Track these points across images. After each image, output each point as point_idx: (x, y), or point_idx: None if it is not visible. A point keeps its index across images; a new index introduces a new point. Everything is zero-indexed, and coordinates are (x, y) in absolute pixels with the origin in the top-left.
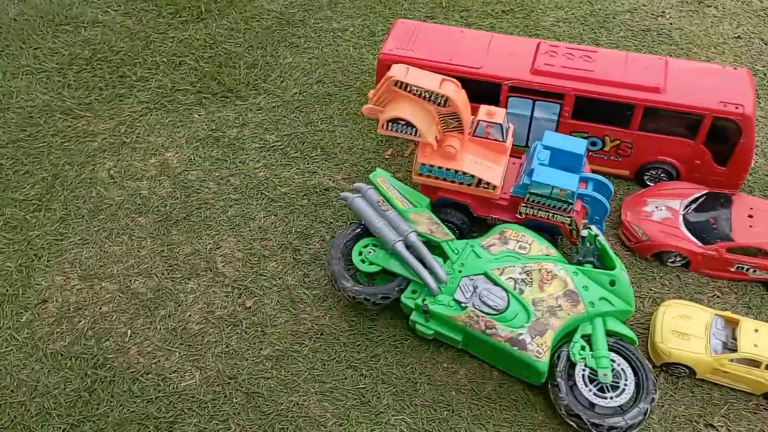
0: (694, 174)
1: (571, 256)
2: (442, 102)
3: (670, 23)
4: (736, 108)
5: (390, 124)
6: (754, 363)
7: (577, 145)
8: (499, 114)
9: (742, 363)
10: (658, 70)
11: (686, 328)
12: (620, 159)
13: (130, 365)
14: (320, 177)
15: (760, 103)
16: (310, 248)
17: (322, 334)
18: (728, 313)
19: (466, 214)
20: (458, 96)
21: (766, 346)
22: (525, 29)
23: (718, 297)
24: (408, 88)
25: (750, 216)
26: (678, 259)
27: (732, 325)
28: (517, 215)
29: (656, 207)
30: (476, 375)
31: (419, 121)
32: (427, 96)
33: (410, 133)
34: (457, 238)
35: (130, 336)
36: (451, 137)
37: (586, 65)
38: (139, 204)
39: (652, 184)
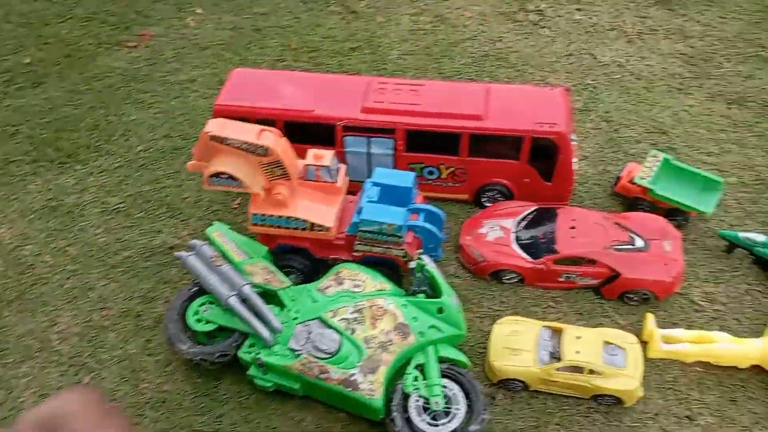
0: (525, 192)
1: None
2: (263, 152)
3: (507, 47)
4: (551, 127)
5: (213, 178)
6: (578, 369)
7: (405, 179)
8: (326, 156)
9: (567, 370)
10: (480, 97)
11: (516, 343)
12: (458, 185)
13: None
14: (165, 236)
15: (589, 114)
16: (153, 312)
17: (164, 402)
18: (555, 323)
19: (308, 258)
20: (278, 145)
21: (588, 352)
22: (373, 64)
23: (552, 307)
24: (225, 142)
25: (572, 227)
26: (513, 275)
27: (558, 334)
28: (354, 253)
29: (491, 228)
30: (323, 420)
31: (242, 173)
32: (246, 148)
33: (235, 186)
34: (303, 282)
35: None
36: (278, 185)
37: (413, 98)
38: None
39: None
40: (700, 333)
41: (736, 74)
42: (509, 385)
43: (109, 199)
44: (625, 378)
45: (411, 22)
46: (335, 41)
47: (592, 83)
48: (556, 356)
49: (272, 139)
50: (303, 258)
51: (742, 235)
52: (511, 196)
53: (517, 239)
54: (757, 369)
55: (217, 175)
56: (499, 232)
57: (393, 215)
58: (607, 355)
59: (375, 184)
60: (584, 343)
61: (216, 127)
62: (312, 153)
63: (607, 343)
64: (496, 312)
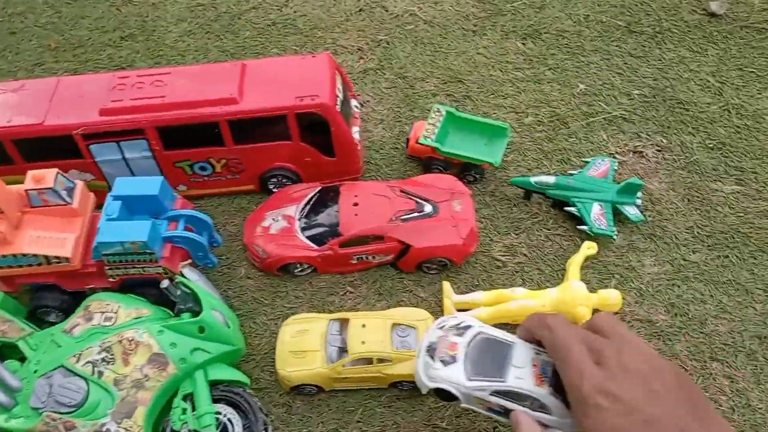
0: (312, 172)
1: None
2: None
3: (294, 11)
4: (313, 99)
5: None
6: (368, 360)
7: (150, 185)
8: (47, 177)
9: (357, 364)
10: (234, 77)
11: (302, 345)
12: (238, 176)
13: None
14: None
15: (384, 73)
16: None
17: None
18: (341, 314)
19: (62, 292)
20: None
21: (375, 339)
22: (147, 52)
23: (351, 292)
24: None
25: (355, 204)
26: (306, 266)
27: (346, 325)
28: (110, 279)
29: (273, 219)
30: None
31: None
32: None
33: None
34: (64, 319)
35: None
36: None
37: (158, 91)
38: None
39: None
40: (497, 293)
41: (528, 6)
42: (304, 391)
43: None
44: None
45: None
46: (103, 32)
47: (386, 38)
48: (345, 350)
49: None
50: (57, 293)
51: (533, 179)
52: (299, 178)
53: (302, 228)
54: None
55: None
56: (282, 222)
57: (135, 231)
58: (397, 338)
59: (116, 198)
60: (370, 331)
61: None
62: (30, 175)
63: (395, 324)
64: (290, 310)
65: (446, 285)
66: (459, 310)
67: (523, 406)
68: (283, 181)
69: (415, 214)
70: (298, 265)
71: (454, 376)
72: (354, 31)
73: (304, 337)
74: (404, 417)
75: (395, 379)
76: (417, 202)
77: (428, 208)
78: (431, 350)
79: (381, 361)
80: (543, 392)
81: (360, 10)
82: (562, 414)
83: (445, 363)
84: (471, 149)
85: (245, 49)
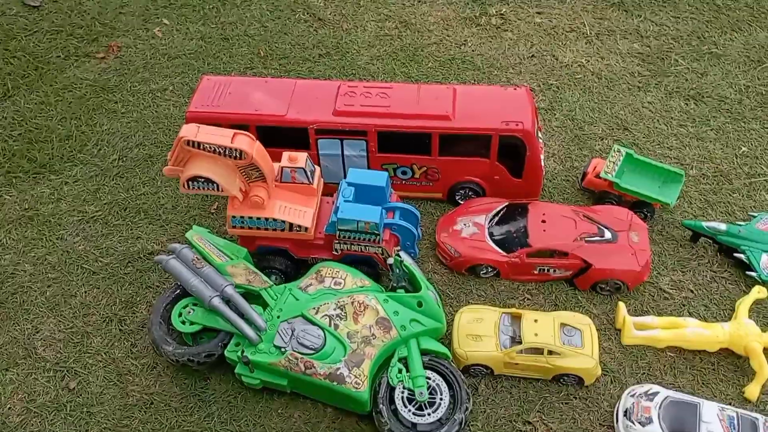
0: (496, 189)
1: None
2: (238, 155)
3: (472, 50)
4: (517, 125)
5: (190, 182)
6: (538, 351)
7: (378, 178)
8: (300, 158)
9: (528, 353)
10: (447, 98)
11: (478, 330)
12: (431, 183)
13: None
14: (144, 242)
15: (554, 113)
16: (136, 317)
17: (152, 404)
18: (513, 309)
19: (288, 258)
20: (252, 148)
21: (546, 334)
22: (341, 70)
23: (528, 299)
24: (201, 146)
25: (543, 221)
26: (489, 269)
27: (517, 319)
28: (333, 252)
29: (464, 224)
30: (310, 416)
31: (219, 176)
32: (222, 151)
33: (213, 189)
34: (284, 282)
35: None
36: (256, 187)
37: (383, 101)
38: None
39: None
40: (670, 319)
41: (691, 71)
42: (476, 371)
43: (86, 208)
44: (583, 356)
45: (377, 28)
46: (304, 48)
47: (555, 83)
48: (516, 340)
49: (247, 142)
50: (284, 259)
51: (705, 224)
52: (483, 193)
53: (491, 235)
54: (726, 352)
55: (194, 179)
56: (473, 228)
57: (369, 213)
58: (564, 336)
59: (350, 184)
60: (542, 326)
61: (190, 132)
62: (287, 155)
63: (563, 324)
64: (474, 306)
65: (621, 304)
66: (636, 329)
67: None
68: (470, 194)
69: (598, 238)
70: (484, 268)
71: None
72: (526, 74)
73: (480, 324)
74: (580, 414)
75: (560, 371)
76: (599, 227)
77: (608, 234)
78: (628, 414)
79: (550, 353)
80: None
81: (532, 56)
82: None
83: (642, 425)
84: (647, 188)
85: (429, 78)
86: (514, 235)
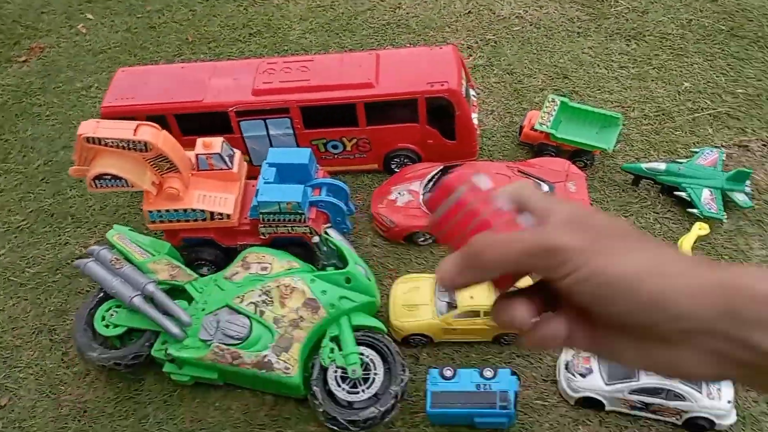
0: (432, 153)
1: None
2: (144, 147)
3: (407, 13)
4: (442, 85)
5: (96, 181)
6: (475, 313)
7: (300, 155)
8: (215, 144)
9: (465, 316)
10: (371, 65)
11: (414, 299)
12: (364, 155)
13: None
14: (72, 247)
15: (493, 69)
16: (67, 325)
17: (85, 412)
18: None
19: (216, 248)
20: (158, 138)
21: (482, 295)
22: (273, 47)
23: None
24: (102, 142)
25: None
26: (427, 236)
27: None
28: (261, 237)
29: (399, 193)
30: (249, 405)
31: (126, 171)
32: (126, 145)
33: (122, 186)
34: (215, 272)
35: None
36: (170, 179)
37: (303, 75)
38: None
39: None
40: None
41: (632, 11)
42: (415, 341)
43: (11, 219)
44: None
45: (309, 1)
46: (233, 29)
47: (493, 38)
48: (453, 306)
49: (151, 132)
50: (212, 249)
51: (644, 165)
52: (419, 159)
53: (426, 201)
54: None
55: (100, 177)
56: (407, 196)
57: (290, 193)
58: None
59: (271, 164)
60: (478, 288)
61: (89, 128)
62: (201, 142)
63: None
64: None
65: None
66: None
67: (660, 398)
68: (405, 161)
69: None
70: (422, 235)
71: (595, 384)
72: (464, 31)
73: (416, 293)
74: (523, 372)
75: (499, 331)
76: (534, 181)
77: (545, 187)
78: (569, 368)
79: (487, 314)
80: (676, 383)
81: (468, 12)
82: (697, 398)
83: (583, 375)
84: (584, 136)
85: (363, 47)
86: None
